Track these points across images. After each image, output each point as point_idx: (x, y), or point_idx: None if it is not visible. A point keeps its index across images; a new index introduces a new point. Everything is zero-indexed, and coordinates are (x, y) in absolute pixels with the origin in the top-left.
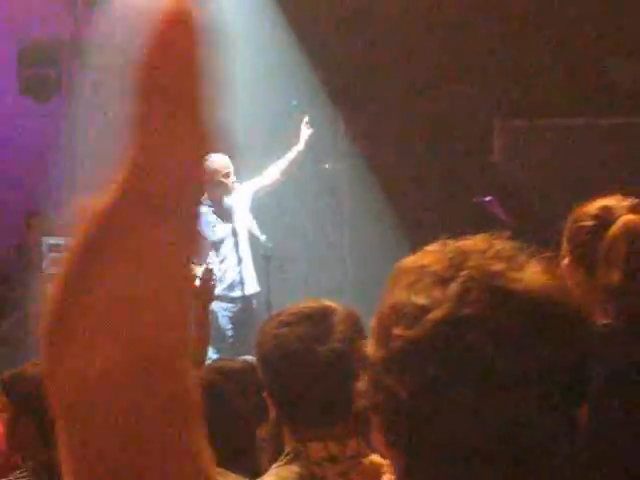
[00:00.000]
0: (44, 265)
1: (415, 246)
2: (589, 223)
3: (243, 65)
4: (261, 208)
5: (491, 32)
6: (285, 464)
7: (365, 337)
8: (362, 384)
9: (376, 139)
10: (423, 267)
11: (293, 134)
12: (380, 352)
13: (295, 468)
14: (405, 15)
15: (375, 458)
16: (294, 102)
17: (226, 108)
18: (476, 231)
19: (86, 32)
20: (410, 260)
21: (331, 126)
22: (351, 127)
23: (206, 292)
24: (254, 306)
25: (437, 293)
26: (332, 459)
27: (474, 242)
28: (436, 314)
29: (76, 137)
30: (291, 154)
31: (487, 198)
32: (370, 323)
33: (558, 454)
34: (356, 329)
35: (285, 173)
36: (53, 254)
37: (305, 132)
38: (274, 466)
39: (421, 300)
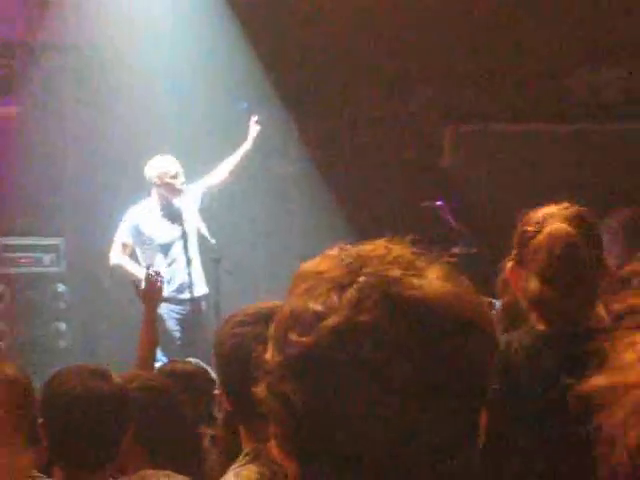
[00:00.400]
0: None
1: None
2: (531, 228)
3: (193, 66)
4: (211, 211)
5: (445, 36)
6: (245, 464)
7: None
8: (260, 390)
9: (327, 143)
10: (320, 273)
11: (243, 137)
12: (277, 358)
13: (255, 467)
14: (359, 18)
15: None
16: (245, 105)
17: (175, 111)
18: (425, 236)
19: (39, 33)
20: (308, 265)
21: (282, 130)
22: (302, 131)
23: (153, 293)
24: (203, 308)
25: (333, 300)
26: None
27: (373, 247)
28: (331, 321)
29: (28, 137)
30: (239, 151)
31: (437, 203)
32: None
33: (454, 460)
34: None
35: (233, 172)
36: (8, 254)
37: (253, 130)
38: (233, 467)
39: (317, 306)
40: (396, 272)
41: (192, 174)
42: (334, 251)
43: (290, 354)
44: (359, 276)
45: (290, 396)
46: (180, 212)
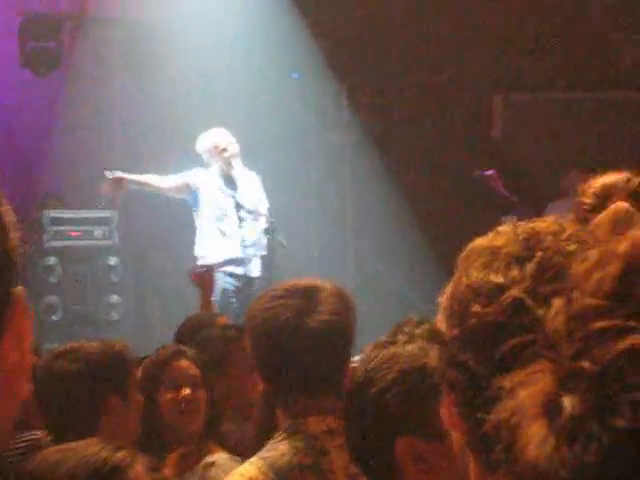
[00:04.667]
0: (45, 238)
1: (416, 219)
2: (589, 200)
3: (243, 37)
4: (263, 184)
5: (494, 5)
6: (282, 440)
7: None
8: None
9: (378, 112)
10: (498, 248)
11: (295, 106)
12: (455, 330)
13: (294, 442)
14: None
15: None
16: (295, 75)
17: (227, 82)
18: (477, 205)
19: (87, 6)
20: (483, 241)
21: (334, 99)
22: (354, 100)
23: (204, 283)
24: (256, 287)
25: (514, 272)
26: (331, 432)
27: (546, 225)
28: (514, 292)
29: (76, 110)
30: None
31: (488, 172)
32: (440, 301)
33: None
34: (345, 305)
35: None
36: (54, 227)
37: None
38: (271, 442)
39: (499, 279)
40: (572, 247)
41: (247, 144)
42: (507, 227)
43: (472, 325)
44: (536, 251)
45: (471, 365)
46: (237, 185)
